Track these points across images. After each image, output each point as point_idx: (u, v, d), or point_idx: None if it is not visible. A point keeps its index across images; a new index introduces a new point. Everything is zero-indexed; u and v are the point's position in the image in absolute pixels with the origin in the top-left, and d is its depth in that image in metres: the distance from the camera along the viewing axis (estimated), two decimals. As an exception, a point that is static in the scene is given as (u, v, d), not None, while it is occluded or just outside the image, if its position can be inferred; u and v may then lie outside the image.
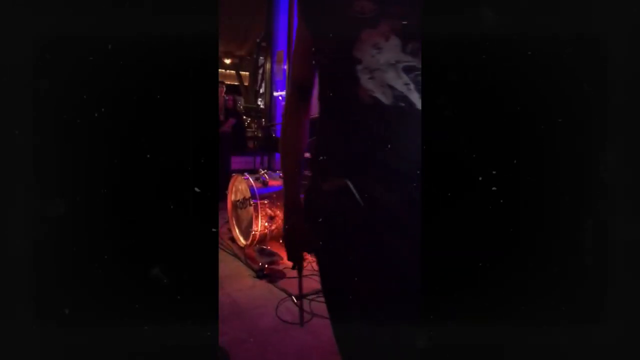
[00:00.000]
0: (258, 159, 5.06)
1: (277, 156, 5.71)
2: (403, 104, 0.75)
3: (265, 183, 2.73)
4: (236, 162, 5.23)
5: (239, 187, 2.86)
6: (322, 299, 2.22)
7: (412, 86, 0.75)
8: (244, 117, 6.52)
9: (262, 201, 2.63)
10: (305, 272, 2.40)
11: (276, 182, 2.81)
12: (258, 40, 6.44)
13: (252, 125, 7.40)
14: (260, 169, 2.88)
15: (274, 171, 2.98)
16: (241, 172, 2.94)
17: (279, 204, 2.72)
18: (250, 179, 2.70)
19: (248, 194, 2.67)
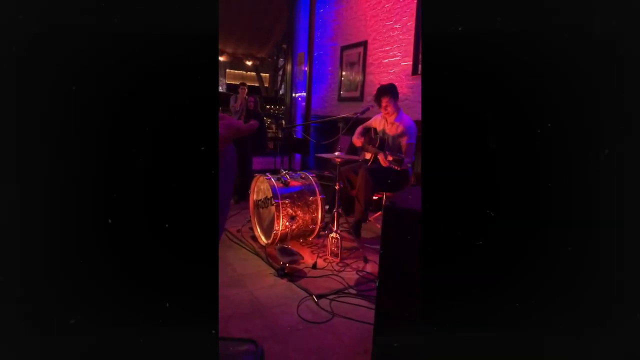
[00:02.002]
0: (278, 159, 5.11)
1: (297, 157, 5.74)
2: None
3: (286, 183, 2.76)
4: (257, 162, 5.30)
5: (261, 187, 2.90)
6: (343, 299, 2.21)
7: None
8: (265, 118, 6.60)
9: (283, 201, 2.66)
10: (325, 272, 2.42)
11: (297, 182, 2.84)
12: (278, 41, 6.52)
13: (272, 126, 7.47)
14: (282, 170, 2.91)
15: (295, 172, 3.01)
16: (262, 172, 2.97)
17: (299, 203, 2.75)
18: (272, 179, 2.74)
19: (270, 194, 2.71)
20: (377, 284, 1.36)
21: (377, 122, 3.15)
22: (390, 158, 2.61)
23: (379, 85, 3.13)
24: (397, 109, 3.03)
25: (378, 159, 2.88)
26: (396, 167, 2.58)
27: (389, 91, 2.97)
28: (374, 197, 3.01)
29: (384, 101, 2.95)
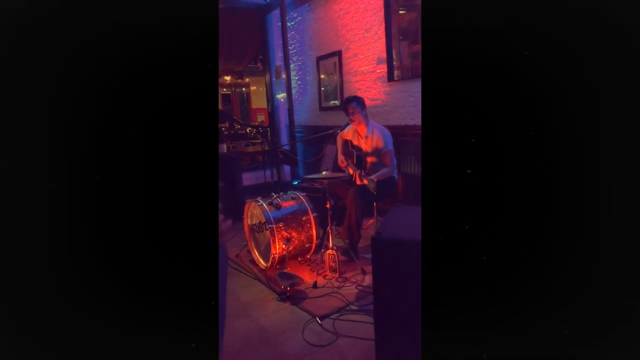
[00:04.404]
0: (268, 172, 5.17)
1: (287, 168, 5.80)
2: None
3: (278, 206, 2.82)
4: (247, 178, 5.35)
5: (254, 212, 2.97)
6: (345, 317, 2.28)
7: None
8: (249, 129, 6.64)
9: (277, 225, 2.73)
10: (326, 290, 2.50)
11: (288, 203, 2.91)
12: (254, 53, 6.57)
13: (259, 136, 7.51)
14: (273, 193, 2.96)
15: (285, 192, 3.07)
16: (254, 187, 3.03)
17: (293, 224, 2.82)
18: (264, 204, 2.80)
19: (263, 219, 2.77)
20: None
21: (351, 133, 3.17)
22: (365, 182, 2.66)
23: (356, 93, 3.17)
24: (366, 120, 3.05)
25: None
26: (372, 191, 2.62)
27: (353, 100, 3.02)
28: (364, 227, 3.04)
29: (350, 108, 2.99)
